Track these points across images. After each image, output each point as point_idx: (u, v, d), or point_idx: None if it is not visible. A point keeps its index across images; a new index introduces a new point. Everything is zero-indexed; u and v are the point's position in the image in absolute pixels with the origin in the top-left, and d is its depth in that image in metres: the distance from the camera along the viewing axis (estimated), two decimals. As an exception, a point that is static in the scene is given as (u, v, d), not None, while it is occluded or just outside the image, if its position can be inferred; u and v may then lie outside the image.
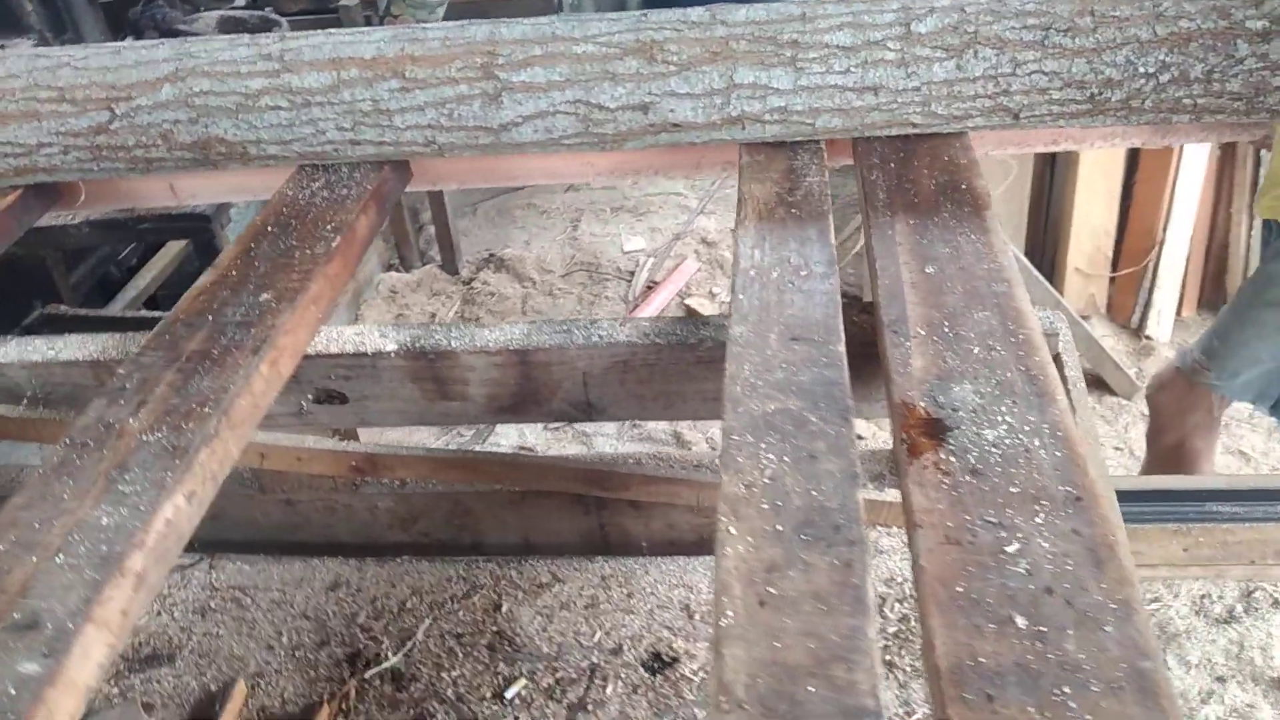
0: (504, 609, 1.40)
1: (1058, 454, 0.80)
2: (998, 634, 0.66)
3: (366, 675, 1.33)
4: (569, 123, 1.32)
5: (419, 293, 4.03)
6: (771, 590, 0.71)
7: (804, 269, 1.07)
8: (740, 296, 1.04)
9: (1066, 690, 0.62)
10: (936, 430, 0.84)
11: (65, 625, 0.75)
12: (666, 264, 4.00)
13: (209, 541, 1.57)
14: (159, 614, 1.46)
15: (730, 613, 0.70)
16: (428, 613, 1.37)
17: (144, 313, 3.18)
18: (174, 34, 3.40)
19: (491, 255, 4.15)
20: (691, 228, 4.18)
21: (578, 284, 3.98)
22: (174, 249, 3.64)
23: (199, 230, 2.97)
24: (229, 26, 3.48)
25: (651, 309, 3.71)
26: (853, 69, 1.25)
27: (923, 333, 0.95)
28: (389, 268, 4.22)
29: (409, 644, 1.34)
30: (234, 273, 1.18)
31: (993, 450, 0.81)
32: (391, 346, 1.20)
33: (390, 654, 1.34)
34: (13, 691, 0.71)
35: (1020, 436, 0.82)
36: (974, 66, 1.23)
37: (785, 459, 0.82)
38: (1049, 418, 0.83)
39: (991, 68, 1.23)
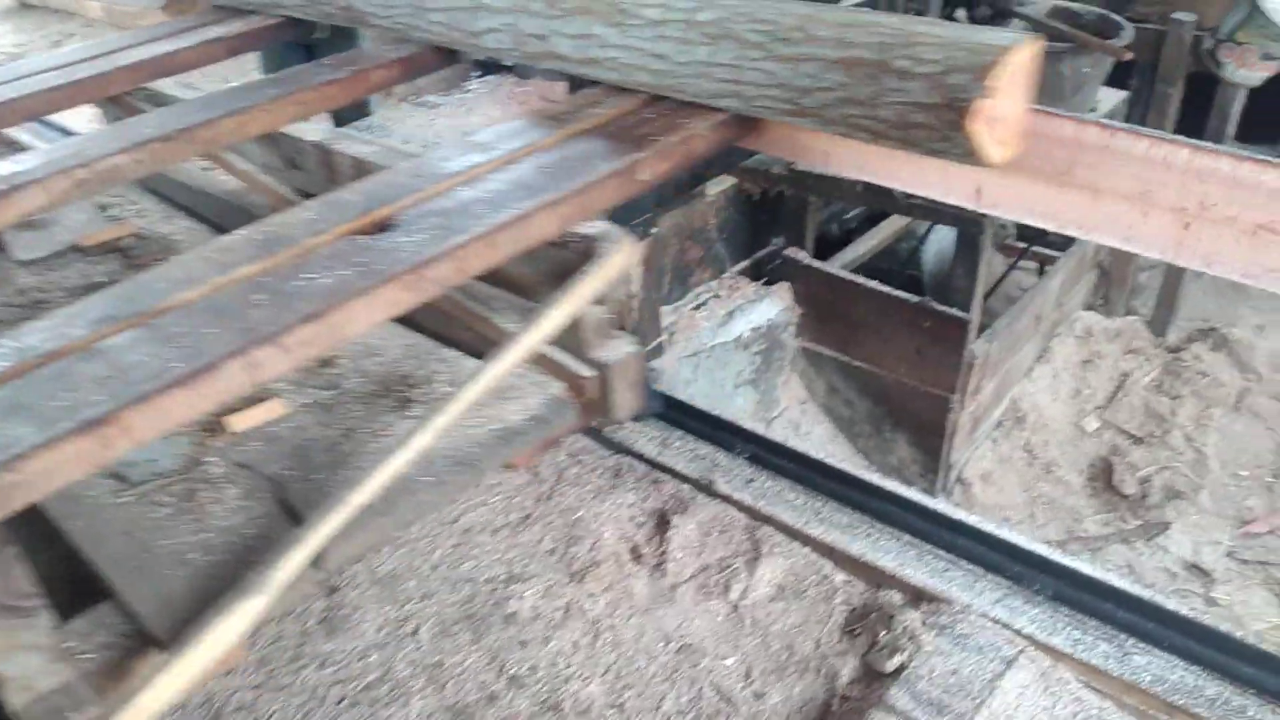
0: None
1: (419, 258, 1.25)
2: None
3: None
4: (508, 38, 1.87)
5: (1114, 343, 3.57)
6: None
7: (478, 152, 1.54)
8: (401, 163, 1.55)
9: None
10: (383, 228, 1.33)
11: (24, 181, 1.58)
12: None
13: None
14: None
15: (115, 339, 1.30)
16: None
17: (852, 276, 3.23)
18: (1008, 14, 3.61)
19: (1212, 329, 3.51)
20: None
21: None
22: (897, 223, 3.61)
23: (968, 222, 2.95)
24: (1060, 16, 3.53)
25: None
26: (650, 39, 1.63)
27: (448, 205, 1.39)
28: (1090, 306, 3.73)
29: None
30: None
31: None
32: (315, 138, 1.91)
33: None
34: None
35: (407, 244, 1.28)
36: (721, 55, 1.54)
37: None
38: (435, 245, 1.27)
39: (733, 59, 1.53)
